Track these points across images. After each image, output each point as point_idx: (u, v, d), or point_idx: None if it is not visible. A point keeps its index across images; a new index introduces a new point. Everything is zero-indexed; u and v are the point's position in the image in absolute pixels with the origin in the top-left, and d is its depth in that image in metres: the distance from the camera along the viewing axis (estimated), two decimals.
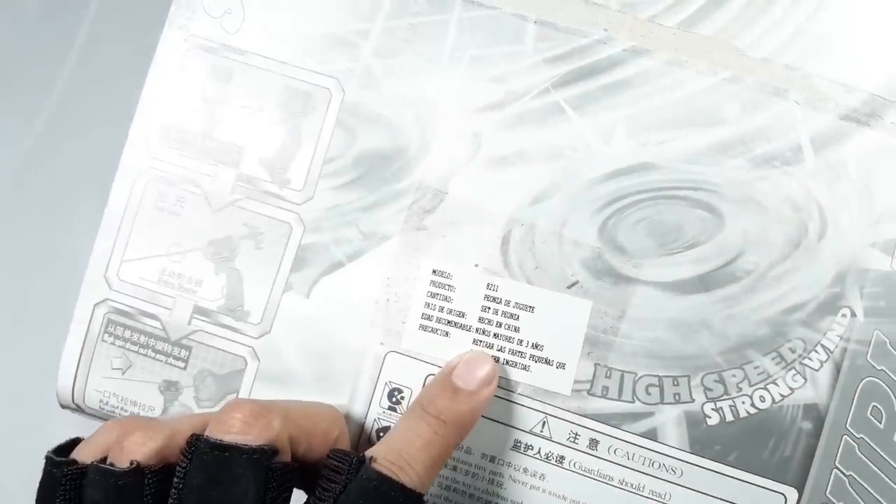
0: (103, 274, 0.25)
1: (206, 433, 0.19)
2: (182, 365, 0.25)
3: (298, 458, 0.20)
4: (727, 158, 0.23)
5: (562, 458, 0.23)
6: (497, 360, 0.24)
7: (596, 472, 0.23)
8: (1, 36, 0.40)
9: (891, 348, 0.23)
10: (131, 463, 0.18)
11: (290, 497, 0.19)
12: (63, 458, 0.19)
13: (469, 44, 0.24)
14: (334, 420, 0.22)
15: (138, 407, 0.25)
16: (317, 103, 0.24)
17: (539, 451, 0.23)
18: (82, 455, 0.19)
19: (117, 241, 0.25)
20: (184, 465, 0.18)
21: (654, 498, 0.23)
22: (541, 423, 0.24)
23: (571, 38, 0.24)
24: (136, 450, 0.19)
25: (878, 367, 0.23)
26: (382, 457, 0.20)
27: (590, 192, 0.24)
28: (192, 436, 0.19)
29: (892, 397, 0.23)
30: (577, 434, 0.23)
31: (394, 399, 0.24)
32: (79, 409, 0.25)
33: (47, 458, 0.19)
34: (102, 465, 0.19)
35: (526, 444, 0.24)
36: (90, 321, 0.25)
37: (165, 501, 0.18)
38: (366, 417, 0.24)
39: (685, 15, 0.24)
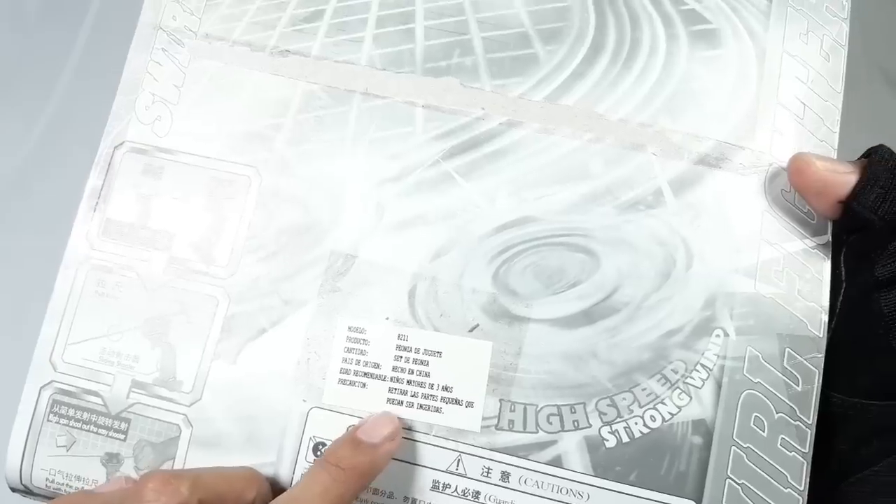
0: (48, 358, 0.27)
1: None
2: (122, 437, 0.26)
3: None
4: (596, 206, 0.27)
5: (477, 493, 0.25)
6: (412, 405, 0.26)
7: None
8: (1, 38, 0.41)
9: (764, 362, 0.25)
10: None
11: None
12: None
13: (368, 129, 0.28)
14: (250, 481, 0.24)
15: (82, 482, 0.26)
16: (238, 189, 0.28)
17: (456, 489, 0.25)
18: None
19: (61, 326, 0.27)
20: None
21: None
22: (455, 462, 0.25)
23: (454, 117, 0.28)
24: None
25: (755, 380, 0.25)
26: None
27: (482, 246, 0.27)
28: None
29: (771, 407, 0.25)
30: (489, 468, 0.25)
31: (318, 453, 0.26)
32: (27, 491, 0.27)
33: None
34: None
35: (444, 484, 0.25)
36: (36, 403, 0.27)
37: None
38: (293, 473, 0.26)
39: (549, 90, 0.28)
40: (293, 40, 0.29)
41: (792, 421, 0.25)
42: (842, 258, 0.26)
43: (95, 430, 0.26)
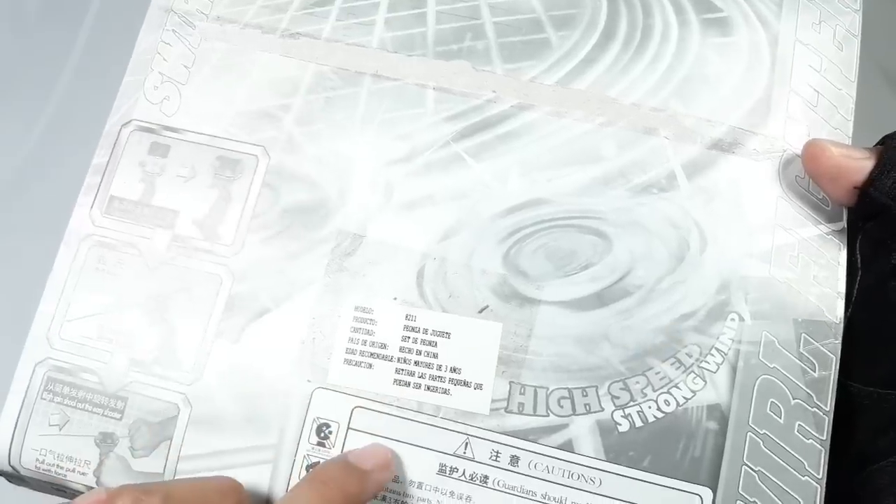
0: (45, 334, 0.26)
1: None
2: (118, 416, 0.25)
3: None
4: (609, 189, 0.26)
5: (486, 477, 0.24)
6: (419, 386, 0.25)
7: (519, 489, 0.24)
8: (1, 38, 0.40)
9: (780, 347, 0.25)
10: None
11: None
12: None
13: (378, 109, 0.28)
14: (227, 493, 0.23)
15: (74, 462, 0.25)
16: (245, 168, 0.27)
17: (464, 473, 0.24)
18: None
19: (59, 303, 0.26)
20: None
21: None
22: (463, 445, 0.24)
23: (465, 99, 0.28)
24: None
25: (771, 365, 0.25)
26: None
27: (492, 226, 0.26)
28: None
29: (788, 393, 0.24)
30: (498, 452, 0.24)
31: (322, 434, 0.25)
32: (15, 474, 0.26)
33: None
34: None
35: (451, 467, 0.24)
36: (30, 380, 0.26)
37: None
38: (295, 455, 0.25)
39: (561, 74, 0.28)
40: (304, 23, 0.29)
41: (809, 407, 0.24)
42: (857, 246, 0.26)
43: (91, 408, 0.26)
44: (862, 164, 0.25)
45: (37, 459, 0.25)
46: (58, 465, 0.25)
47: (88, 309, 0.26)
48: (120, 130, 0.28)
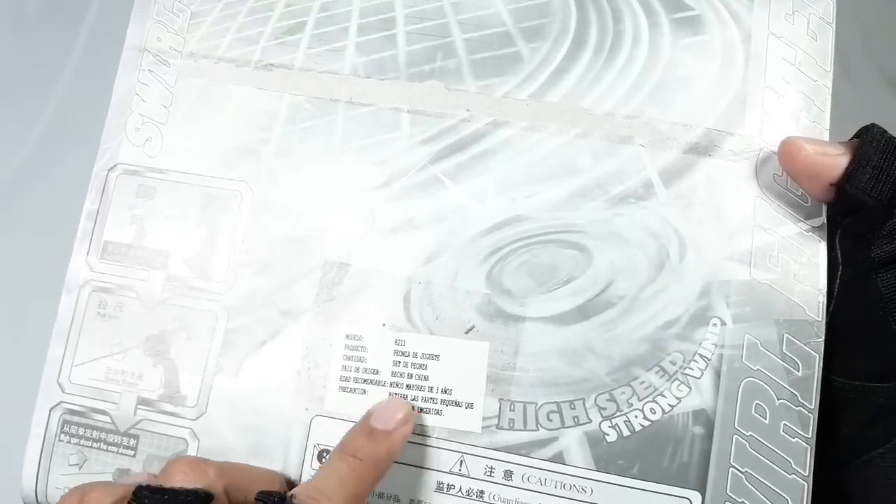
0: (56, 380, 0.28)
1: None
2: (132, 453, 0.27)
3: None
4: (586, 202, 0.27)
5: (481, 492, 0.25)
6: (413, 408, 0.26)
7: (514, 502, 0.25)
8: (1, 38, 0.40)
9: (762, 349, 0.25)
10: None
11: None
12: None
13: (354, 136, 0.28)
14: (272, 479, 0.25)
15: None
16: (230, 204, 0.28)
17: (460, 489, 0.25)
18: None
19: (67, 348, 0.28)
20: None
21: None
22: (458, 462, 0.25)
23: (440, 120, 0.28)
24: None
25: (755, 368, 0.25)
26: (302, 493, 0.22)
27: (473, 247, 0.27)
28: (137, 486, 0.21)
29: (772, 393, 0.25)
30: (492, 468, 0.25)
31: (323, 460, 0.26)
32: None
33: None
34: None
35: (448, 484, 0.25)
36: (47, 424, 0.27)
37: None
38: (299, 481, 0.26)
39: (534, 88, 0.28)
40: (276, 54, 0.29)
41: (794, 407, 0.25)
42: (837, 240, 0.26)
43: (105, 447, 0.27)
44: (837, 161, 0.25)
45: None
46: None
47: (94, 352, 0.28)
48: (107, 175, 0.29)
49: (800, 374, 0.25)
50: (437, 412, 0.26)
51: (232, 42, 0.29)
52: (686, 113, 0.27)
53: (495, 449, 0.25)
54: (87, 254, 0.28)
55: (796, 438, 0.24)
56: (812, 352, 0.25)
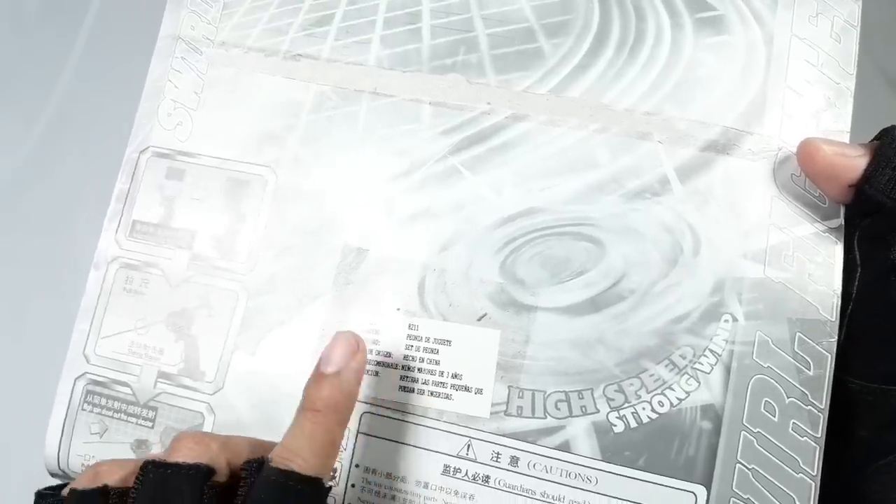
0: (82, 351, 0.29)
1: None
2: (150, 424, 0.28)
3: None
4: (602, 196, 0.27)
5: (487, 477, 0.26)
6: (423, 392, 0.26)
7: (519, 488, 0.25)
8: (1, 38, 0.40)
9: (774, 346, 0.25)
10: (102, 486, 0.22)
11: None
12: (47, 491, 0.23)
13: (376, 126, 0.29)
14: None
15: None
16: (255, 188, 0.29)
17: (466, 473, 0.26)
18: (64, 491, 0.23)
19: (93, 321, 0.29)
20: (137, 482, 0.21)
21: None
22: (466, 447, 0.26)
23: (460, 112, 0.28)
24: (107, 476, 0.22)
25: (765, 365, 0.25)
26: (276, 454, 0.22)
27: (489, 237, 0.27)
28: (144, 460, 0.22)
29: (782, 391, 0.25)
30: (498, 453, 0.26)
31: None
32: (65, 475, 0.28)
33: (36, 493, 0.23)
34: (75, 489, 0.22)
35: (454, 468, 0.26)
36: (72, 393, 0.28)
37: None
38: None
39: (555, 83, 0.28)
40: (304, 45, 0.30)
41: (804, 405, 0.25)
42: (855, 242, 0.26)
43: (126, 417, 0.28)
44: (857, 162, 0.25)
45: (82, 464, 0.28)
46: None
47: (119, 326, 0.29)
48: (139, 157, 0.30)
49: (811, 373, 0.25)
50: (447, 396, 0.26)
51: (262, 32, 0.30)
52: (705, 111, 0.27)
53: (503, 435, 0.26)
54: (116, 231, 0.29)
55: (805, 437, 0.24)
56: (824, 351, 0.25)
